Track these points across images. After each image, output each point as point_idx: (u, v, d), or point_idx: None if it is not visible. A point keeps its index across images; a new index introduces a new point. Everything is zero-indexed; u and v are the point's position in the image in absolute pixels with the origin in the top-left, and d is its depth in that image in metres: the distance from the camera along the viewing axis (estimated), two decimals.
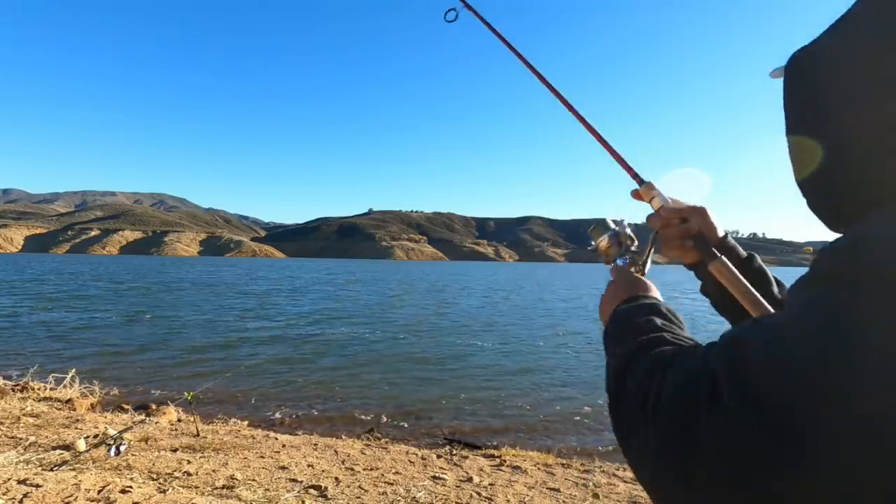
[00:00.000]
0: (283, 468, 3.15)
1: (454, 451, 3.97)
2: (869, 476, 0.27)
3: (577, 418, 5.94)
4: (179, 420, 4.78)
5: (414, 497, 2.79)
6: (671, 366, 0.38)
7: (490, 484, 3.10)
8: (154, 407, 5.40)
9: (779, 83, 0.47)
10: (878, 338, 0.28)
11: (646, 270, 0.73)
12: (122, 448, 3.28)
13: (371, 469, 3.29)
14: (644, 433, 0.36)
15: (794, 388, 0.29)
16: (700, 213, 0.70)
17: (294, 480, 2.93)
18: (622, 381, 0.44)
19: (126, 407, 5.50)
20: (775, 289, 0.69)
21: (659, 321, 0.51)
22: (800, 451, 0.28)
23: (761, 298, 0.60)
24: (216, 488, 2.73)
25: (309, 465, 3.26)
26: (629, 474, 3.51)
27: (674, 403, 0.35)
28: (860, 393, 0.27)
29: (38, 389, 5.27)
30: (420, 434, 5.42)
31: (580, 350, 10.53)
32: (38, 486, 2.59)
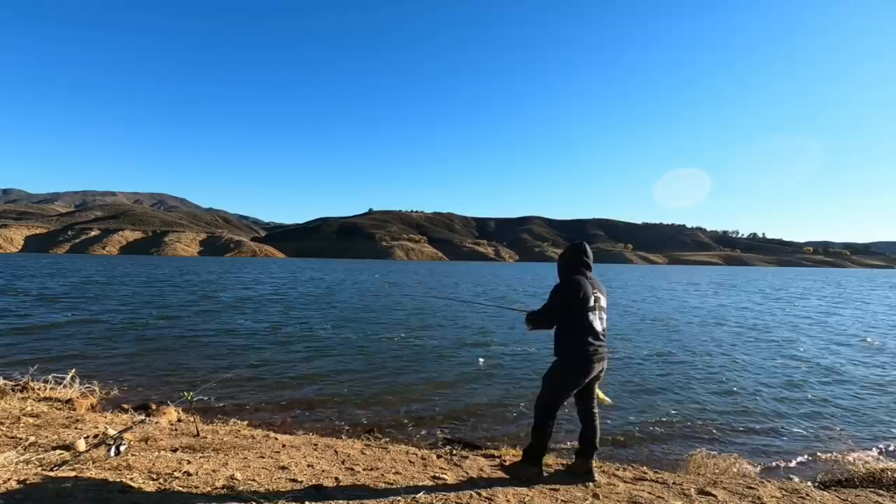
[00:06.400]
0: (283, 468, 3.15)
1: (454, 451, 3.97)
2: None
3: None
4: (179, 420, 4.77)
5: (414, 497, 2.79)
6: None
7: (490, 484, 3.10)
8: (154, 407, 5.40)
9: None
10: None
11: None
12: (122, 448, 3.28)
13: (371, 469, 3.29)
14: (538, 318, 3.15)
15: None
16: None
17: (294, 480, 2.93)
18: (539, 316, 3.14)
19: (126, 407, 5.50)
20: None
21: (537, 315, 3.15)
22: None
23: None
24: (216, 488, 2.73)
25: (309, 465, 3.26)
26: (629, 474, 3.52)
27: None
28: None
29: (38, 389, 5.27)
30: (420, 434, 5.43)
31: None
32: (38, 486, 2.59)
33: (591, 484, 3.16)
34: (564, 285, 3.09)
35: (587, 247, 3.30)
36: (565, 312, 3.06)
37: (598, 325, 3.09)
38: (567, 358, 3.09)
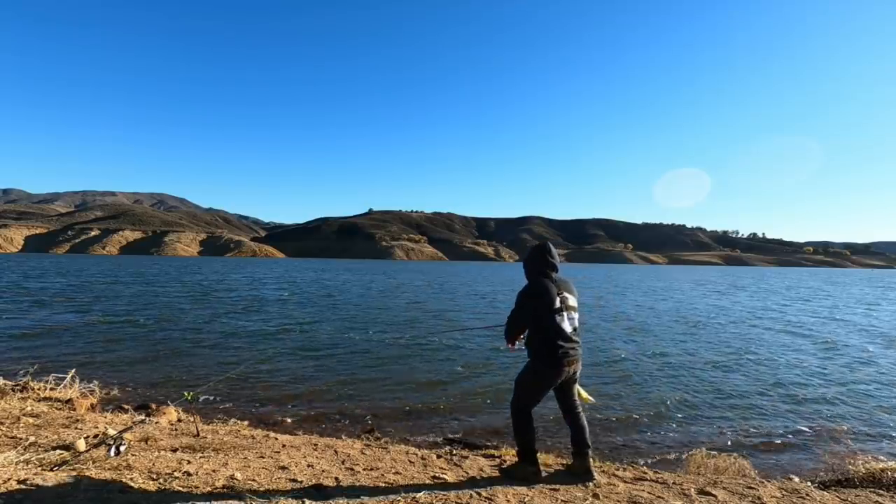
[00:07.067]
0: (283, 468, 3.15)
1: (454, 451, 3.97)
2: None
3: None
4: (179, 420, 4.78)
5: (414, 497, 2.79)
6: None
7: (490, 484, 3.10)
8: (154, 407, 5.40)
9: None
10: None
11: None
12: (122, 448, 3.28)
13: (371, 469, 3.29)
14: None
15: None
16: None
17: (294, 480, 2.93)
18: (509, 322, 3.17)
19: (126, 407, 5.51)
20: None
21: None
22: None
23: None
24: (216, 488, 2.73)
25: (309, 465, 3.26)
26: (629, 474, 3.52)
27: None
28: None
29: (38, 389, 5.27)
30: (420, 434, 5.43)
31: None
32: (38, 486, 2.59)
33: (590, 484, 3.15)
34: (530, 287, 3.11)
35: (552, 247, 3.31)
36: (533, 315, 3.07)
37: (568, 326, 3.07)
38: (536, 360, 3.08)
